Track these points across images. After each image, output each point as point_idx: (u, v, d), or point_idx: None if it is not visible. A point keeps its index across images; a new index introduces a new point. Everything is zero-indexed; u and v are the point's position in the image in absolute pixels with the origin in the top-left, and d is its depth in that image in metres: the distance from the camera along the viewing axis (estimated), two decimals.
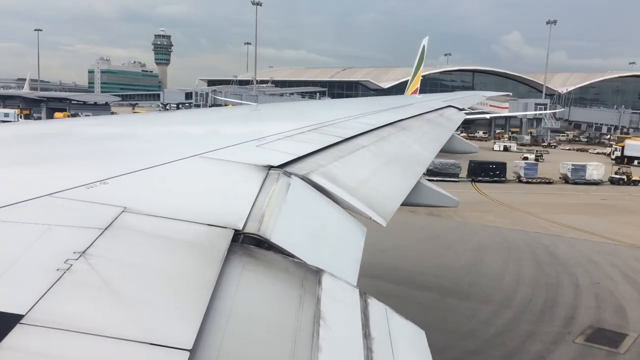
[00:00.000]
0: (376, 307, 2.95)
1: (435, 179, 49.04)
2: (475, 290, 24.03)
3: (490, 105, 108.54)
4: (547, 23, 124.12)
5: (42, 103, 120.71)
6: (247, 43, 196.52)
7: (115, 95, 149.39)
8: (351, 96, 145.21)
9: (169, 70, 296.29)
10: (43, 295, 2.03)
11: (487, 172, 55.02)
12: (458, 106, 17.44)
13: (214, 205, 3.49)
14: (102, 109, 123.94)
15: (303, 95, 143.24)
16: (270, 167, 4.48)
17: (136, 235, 2.75)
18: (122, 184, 3.45)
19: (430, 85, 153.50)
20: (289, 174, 4.44)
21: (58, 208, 2.88)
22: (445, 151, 11.82)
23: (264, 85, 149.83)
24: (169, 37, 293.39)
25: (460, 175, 54.74)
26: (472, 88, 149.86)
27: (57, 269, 2.23)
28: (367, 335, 2.63)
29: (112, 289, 2.20)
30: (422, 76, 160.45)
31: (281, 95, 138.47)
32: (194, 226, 2.98)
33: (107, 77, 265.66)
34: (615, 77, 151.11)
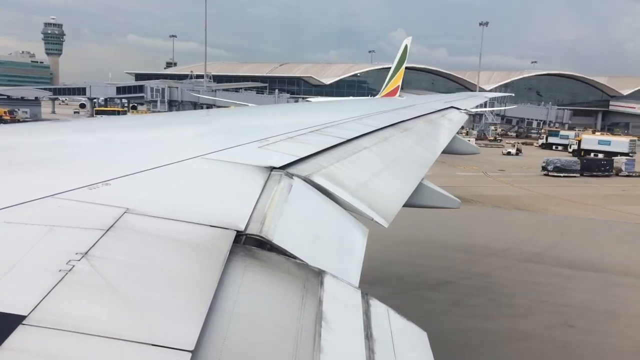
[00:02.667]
0: (378, 308, 2.95)
1: (561, 175, 58.41)
2: None
3: None
4: (480, 24, 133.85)
5: None
6: (173, 36, 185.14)
7: (45, 89, 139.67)
8: (293, 92, 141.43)
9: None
10: (45, 296, 2.03)
11: (599, 168, 62.09)
12: (460, 107, 17.43)
13: (216, 207, 3.49)
14: (31, 104, 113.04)
15: (259, 90, 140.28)
16: (273, 169, 4.48)
17: (138, 236, 2.76)
18: (124, 185, 3.46)
19: (365, 82, 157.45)
20: (291, 175, 4.44)
21: (60, 209, 2.88)
22: (447, 152, 11.80)
23: (201, 80, 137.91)
24: (60, 25, 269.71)
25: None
26: (403, 85, 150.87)
27: (60, 270, 2.23)
28: (369, 336, 2.63)
29: (114, 290, 2.20)
30: (357, 74, 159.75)
31: (236, 90, 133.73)
32: (196, 227, 2.98)
33: None
34: (532, 76, 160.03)
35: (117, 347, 1.88)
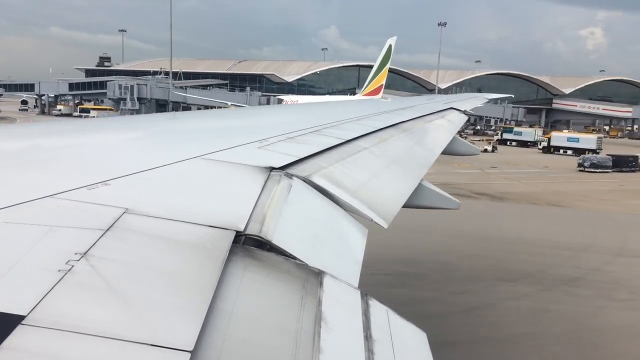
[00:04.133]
0: (377, 308, 2.95)
1: (597, 170, 63.09)
2: None
3: None
4: (439, 25, 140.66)
5: None
6: (122, 30, 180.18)
7: None
8: (256, 89, 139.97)
9: None
10: (44, 296, 2.03)
11: (626, 164, 67.51)
12: (459, 108, 17.43)
13: (216, 207, 3.49)
14: None
15: (231, 88, 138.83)
16: (272, 169, 4.48)
17: (138, 236, 2.75)
18: (123, 185, 3.46)
19: (325, 80, 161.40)
20: (290, 176, 4.44)
21: (59, 209, 2.88)
22: (447, 153, 11.79)
23: (158, 76, 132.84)
24: None
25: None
26: (357, 84, 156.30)
27: (59, 270, 2.23)
28: (368, 336, 2.63)
29: (114, 290, 2.20)
30: (317, 72, 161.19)
31: (204, 87, 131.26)
32: (196, 227, 2.98)
33: None
34: (483, 75, 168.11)
35: (117, 347, 1.88)
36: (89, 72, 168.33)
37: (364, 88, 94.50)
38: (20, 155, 4.36)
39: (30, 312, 1.92)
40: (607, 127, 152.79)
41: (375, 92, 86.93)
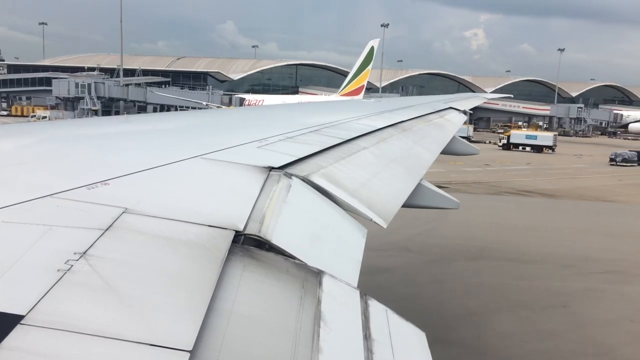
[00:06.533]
0: (376, 308, 2.95)
1: (628, 164, 69.09)
2: None
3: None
4: (381, 26, 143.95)
5: None
6: (43, 23, 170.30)
7: None
8: (199, 87, 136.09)
9: None
10: (44, 296, 2.03)
11: None
12: (459, 108, 17.43)
13: (215, 206, 3.49)
14: None
15: (188, 87, 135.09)
16: (271, 169, 4.48)
17: (137, 236, 2.75)
18: (123, 185, 3.46)
19: (270, 78, 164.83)
20: (289, 175, 4.44)
21: (59, 209, 2.88)
22: (446, 152, 11.79)
23: (93, 72, 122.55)
24: None
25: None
26: (296, 83, 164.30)
27: (58, 270, 2.23)
28: (367, 336, 2.63)
29: (113, 290, 2.20)
30: (261, 71, 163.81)
31: (159, 85, 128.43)
32: (195, 227, 2.98)
33: None
34: (416, 74, 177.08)
35: (116, 346, 1.88)
36: (11, 68, 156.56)
37: (342, 88, 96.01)
38: (19, 155, 4.36)
39: (29, 311, 1.92)
40: (526, 124, 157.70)
41: (356, 92, 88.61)
